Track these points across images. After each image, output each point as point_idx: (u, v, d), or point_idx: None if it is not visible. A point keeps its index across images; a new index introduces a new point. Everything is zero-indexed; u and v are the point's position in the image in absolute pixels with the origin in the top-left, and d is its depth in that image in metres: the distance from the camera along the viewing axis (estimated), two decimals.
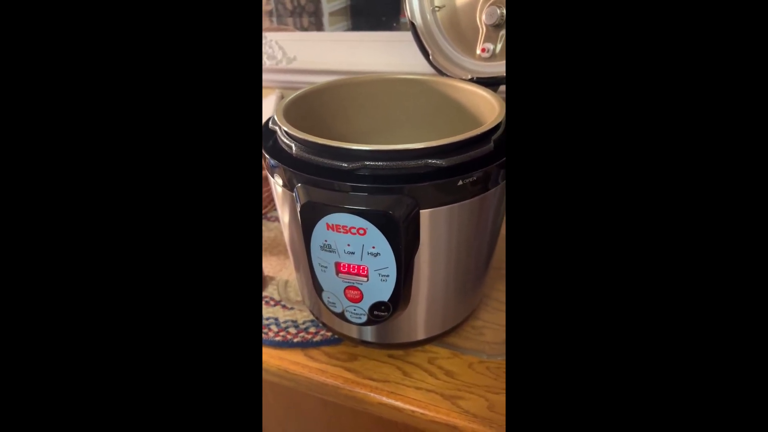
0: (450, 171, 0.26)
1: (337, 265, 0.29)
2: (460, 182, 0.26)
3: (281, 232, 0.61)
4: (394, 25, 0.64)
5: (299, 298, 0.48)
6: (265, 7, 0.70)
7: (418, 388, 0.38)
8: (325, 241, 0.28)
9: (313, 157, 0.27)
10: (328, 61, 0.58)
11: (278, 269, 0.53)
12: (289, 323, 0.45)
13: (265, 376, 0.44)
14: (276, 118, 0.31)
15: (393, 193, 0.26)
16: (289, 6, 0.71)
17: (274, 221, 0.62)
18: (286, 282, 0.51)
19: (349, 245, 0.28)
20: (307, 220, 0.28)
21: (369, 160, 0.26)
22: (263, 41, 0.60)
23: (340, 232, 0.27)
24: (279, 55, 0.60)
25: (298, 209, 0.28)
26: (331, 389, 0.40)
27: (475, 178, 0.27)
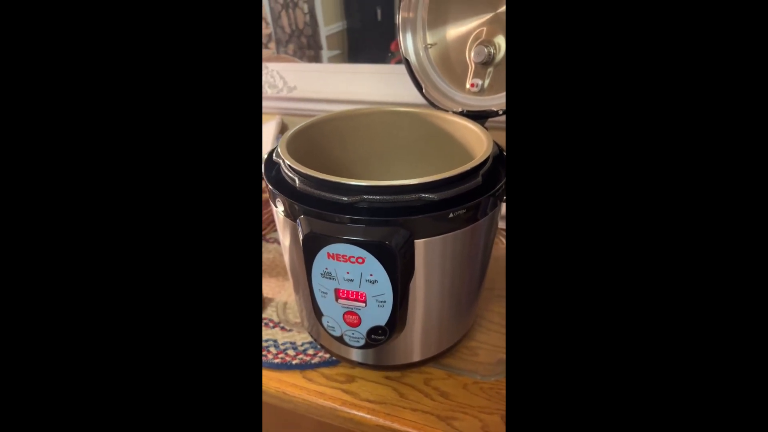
0: (441, 204, 0.28)
1: (337, 291, 0.31)
2: (451, 214, 0.28)
3: (280, 254, 0.62)
4: (389, 55, 0.68)
5: (298, 320, 0.49)
6: (265, 30, 0.74)
7: (414, 410, 0.39)
8: (326, 269, 0.30)
9: (315, 191, 0.29)
10: (326, 90, 0.61)
11: (277, 291, 0.54)
12: (288, 345, 0.46)
13: (263, 398, 0.45)
14: (279, 152, 0.33)
15: (389, 225, 0.28)
16: (287, 30, 0.74)
17: (273, 243, 0.64)
18: (285, 304, 0.52)
19: (348, 273, 0.29)
20: (310, 249, 0.29)
21: (367, 194, 0.28)
22: (266, 71, 0.63)
23: (340, 260, 0.29)
24: (280, 84, 0.63)
25: (301, 239, 0.30)
26: (328, 411, 0.41)
27: (464, 210, 0.29)
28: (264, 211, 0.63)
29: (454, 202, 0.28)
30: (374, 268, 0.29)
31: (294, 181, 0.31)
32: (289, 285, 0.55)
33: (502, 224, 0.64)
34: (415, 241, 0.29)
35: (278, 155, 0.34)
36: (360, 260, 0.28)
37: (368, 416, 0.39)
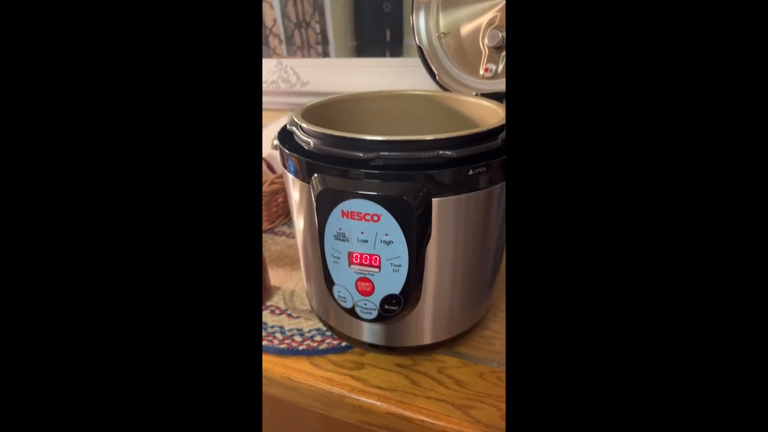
0: (460, 161, 0.27)
1: (350, 255, 0.30)
2: (471, 171, 0.27)
3: (288, 246, 0.61)
4: (399, 46, 0.68)
5: (305, 307, 0.48)
6: (270, 22, 0.73)
7: (428, 398, 0.37)
8: (339, 229, 0.29)
9: (330, 149, 0.29)
10: (338, 84, 0.62)
11: (284, 280, 0.53)
12: (294, 331, 0.45)
13: (265, 388, 0.42)
14: (294, 119, 0.33)
15: (406, 180, 0.27)
16: (293, 18, 0.75)
17: (281, 236, 0.63)
18: (293, 291, 0.50)
19: (362, 233, 0.28)
20: (323, 207, 0.29)
21: (384, 150, 0.27)
22: (279, 66, 0.65)
23: (354, 219, 0.28)
24: (293, 80, 0.64)
25: (314, 198, 0.29)
26: (336, 398, 0.39)
27: (484, 169, 0.28)
28: (273, 204, 0.63)
29: (472, 159, 0.28)
30: (390, 226, 0.28)
31: (308, 144, 0.30)
32: (297, 275, 0.54)
33: None
34: (432, 200, 0.28)
35: (292, 123, 0.34)
36: (375, 218, 0.27)
37: (378, 403, 0.37)
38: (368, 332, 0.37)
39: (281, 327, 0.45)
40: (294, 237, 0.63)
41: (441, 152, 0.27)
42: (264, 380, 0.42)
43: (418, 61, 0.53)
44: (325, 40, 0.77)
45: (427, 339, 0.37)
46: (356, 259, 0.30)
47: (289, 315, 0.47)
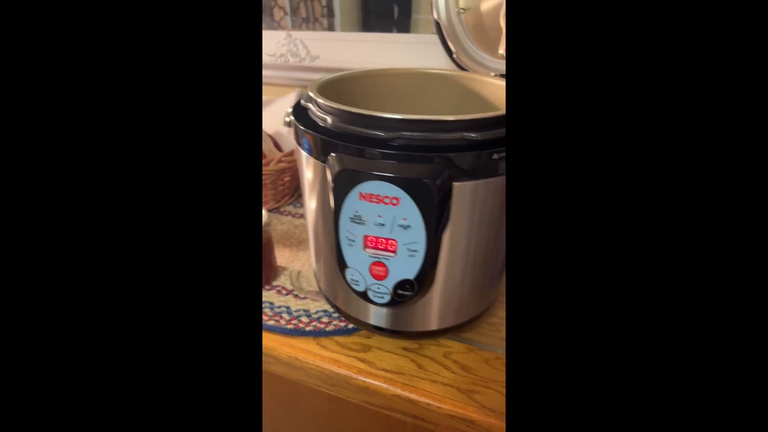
0: (483, 145, 0.26)
1: (365, 238, 0.29)
2: (495, 156, 0.26)
3: (294, 226, 0.60)
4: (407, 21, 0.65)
5: (312, 288, 0.47)
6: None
7: (433, 381, 0.37)
8: (356, 212, 0.28)
9: (349, 127, 0.27)
10: (349, 59, 0.60)
11: (290, 260, 0.52)
12: (301, 312, 0.44)
13: (271, 366, 0.43)
14: (310, 94, 0.32)
15: (428, 162, 0.26)
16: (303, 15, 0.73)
17: (286, 215, 0.62)
18: (299, 272, 0.50)
19: (380, 216, 0.28)
20: (340, 188, 0.28)
21: (405, 130, 0.26)
22: (289, 40, 0.62)
23: (372, 201, 0.27)
24: (303, 53, 0.61)
25: (331, 179, 0.28)
26: (342, 379, 0.39)
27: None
28: (279, 183, 0.62)
29: (497, 143, 0.27)
30: (409, 210, 0.27)
31: (325, 120, 0.29)
32: (303, 255, 0.53)
33: None
34: (453, 183, 0.27)
35: (308, 99, 0.33)
36: (394, 201, 0.27)
37: (385, 386, 0.37)
38: (375, 316, 0.37)
39: (288, 307, 0.45)
40: (300, 217, 0.62)
41: (465, 134, 0.26)
42: (270, 359, 0.42)
43: (430, 37, 0.51)
44: (330, 13, 0.74)
45: (434, 325, 0.37)
46: (371, 243, 0.29)
47: (296, 296, 0.47)
